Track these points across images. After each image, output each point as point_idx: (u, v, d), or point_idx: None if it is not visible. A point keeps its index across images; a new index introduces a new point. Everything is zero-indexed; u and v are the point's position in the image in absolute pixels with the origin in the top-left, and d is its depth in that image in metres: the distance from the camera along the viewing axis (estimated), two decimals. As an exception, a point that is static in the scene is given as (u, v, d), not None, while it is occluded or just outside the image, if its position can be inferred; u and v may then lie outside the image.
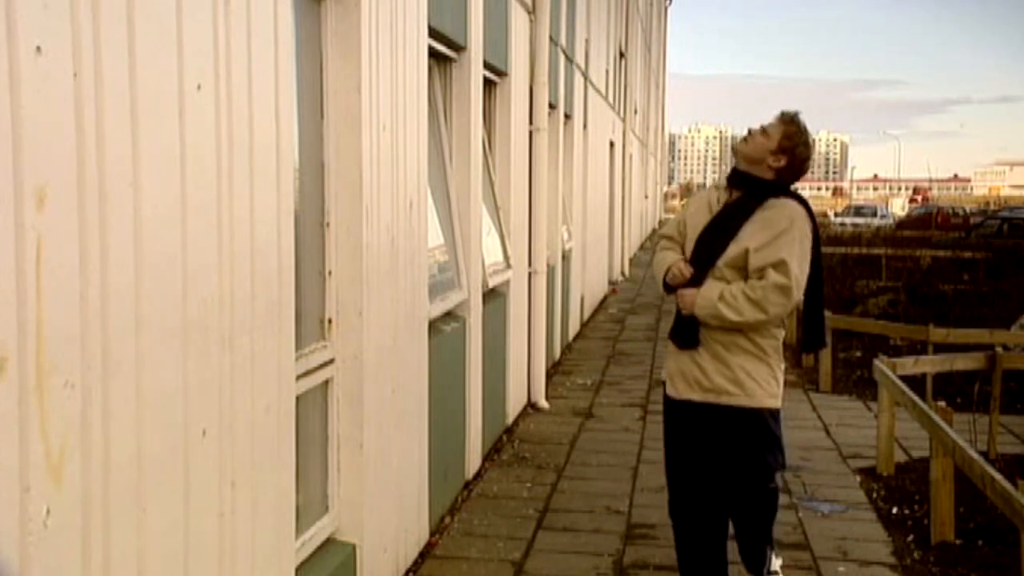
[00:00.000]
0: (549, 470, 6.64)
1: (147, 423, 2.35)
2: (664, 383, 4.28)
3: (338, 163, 3.98)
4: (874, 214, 39.79)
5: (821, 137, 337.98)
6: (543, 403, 8.54)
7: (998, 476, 4.34)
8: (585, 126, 13.07)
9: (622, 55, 19.80)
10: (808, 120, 4.13)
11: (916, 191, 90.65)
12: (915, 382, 7.03)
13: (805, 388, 9.47)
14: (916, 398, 5.93)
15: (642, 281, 19.94)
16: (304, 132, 3.76)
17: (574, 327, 12.39)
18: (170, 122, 2.44)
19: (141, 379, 2.32)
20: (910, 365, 7.23)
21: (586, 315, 13.85)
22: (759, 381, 3.99)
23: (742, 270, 3.96)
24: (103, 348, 2.15)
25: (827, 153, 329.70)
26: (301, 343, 3.57)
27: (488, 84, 7.24)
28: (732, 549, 4.32)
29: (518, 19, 7.78)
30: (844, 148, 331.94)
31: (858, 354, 10.63)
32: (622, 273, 20.18)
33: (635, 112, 23.46)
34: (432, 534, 5.30)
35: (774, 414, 4.10)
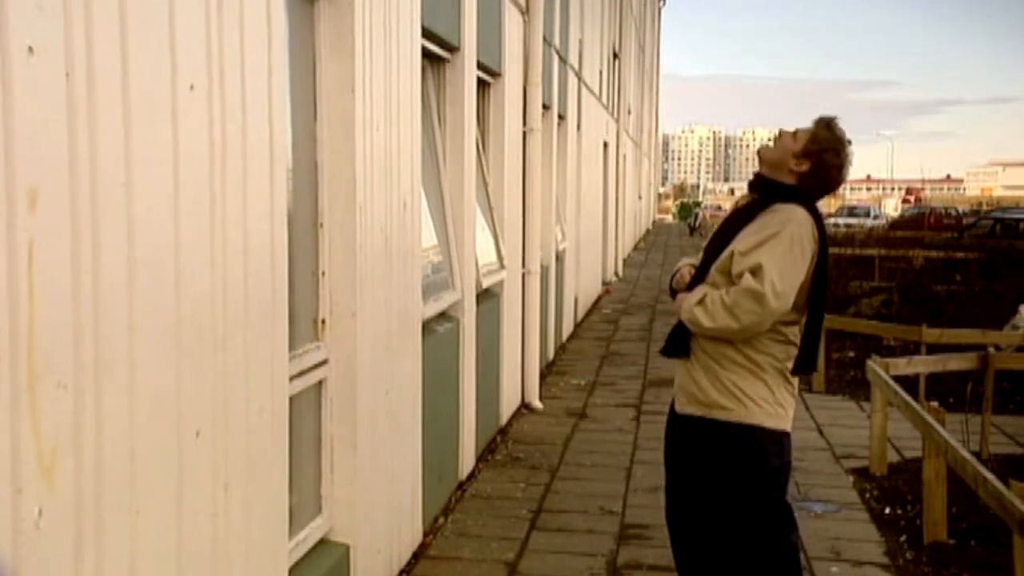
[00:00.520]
0: (543, 470, 6.64)
1: (140, 424, 2.34)
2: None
3: (331, 164, 3.97)
4: (867, 215, 39.89)
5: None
6: (537, 403, 8.55)
7: (990, 476, 4.35)
8: (579, 127, 13.08)
9: (616, 56, 19.81)
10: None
11: (909, 192, 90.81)
12: (908, 382, 7.03)
13: (798, 388, 9.47)
14: (909, 398, 5.94)
15: (636, 282, 19.97)
16: (297, 133, 3.75)
17: (568, 327, 12.39)
18: (163, 123, 2.43)
19: (134, 380, 2.31)
20: (903, 365, 7.24)
21: (580, 315, 13.85)
22: (754, 398, 3.58)
23: (730, 274, 3.62)
24: (95, 349, 2.15)
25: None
26: (294, 344, 3.57)
27: (482, 85, 7.24)
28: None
29: (512, 20, 7.78)
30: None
31: (851, 354, 10.65)
32: (616, 273, 20.19)
33: (629, 113, 23.48)
34: (426, 534, 5.30)
35: (774, 438, 3.62)
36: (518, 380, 8.35)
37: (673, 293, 3.86)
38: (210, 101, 2.66)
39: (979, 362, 7.45)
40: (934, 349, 8.66)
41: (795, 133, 3.70)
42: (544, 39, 8.80)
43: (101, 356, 2.17)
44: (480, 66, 6.78)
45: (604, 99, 17.28)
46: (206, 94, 2.64)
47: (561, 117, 11.25)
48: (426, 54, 5.53)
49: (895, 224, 32.80)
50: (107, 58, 2.18)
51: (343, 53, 3.97)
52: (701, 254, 3.82)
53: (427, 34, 5.28)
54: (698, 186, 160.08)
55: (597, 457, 7.00)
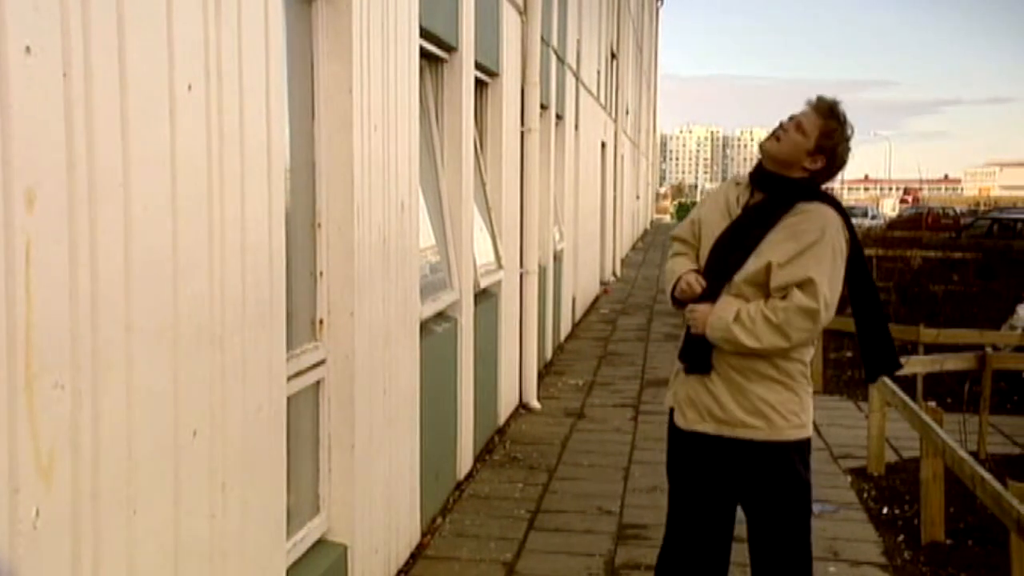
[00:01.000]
0: (541, 471, 6.64)
1: (137, 424, 2.34)
2: (671, 410, 3.65)
3: (329, 164, 3.97)
4: (865, 215, 39.89)
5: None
6: (535, 404, 8.55)
7: (988, 476, 4.35)
8: (576, 127, 13.08)
9: (614, 56, 19.82)
10: None
11: (907, 192, 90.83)
12: (906, 382, 7.03)
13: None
14: (906, 398, 5.95)
15: (634, 282, 19.97)
16: (295, 133, 3.75)
17: (566, 327, 12.39)
18: (160, 122, 2.43)
19: (131, 380, 2.31)
20: (900, 365, 7.23)
21: (578, 315, 13.85)
22: (783, 412, 3.39)
23: (763, 286, 3.38)
24: (93, 349, 2.15)
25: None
26: (292, 344, 3.57)
27: (480, 85, 7.25)
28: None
29: (509, 20, 7.78)
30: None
31: (849, 354, 10.65)
32: (614, 273, 20.19)
33: (627, 113, 23.48)
34: (423, 535, 5.30)
35: (801, 448, 3.47)
36: (516, 380, 8.36)
37: (677, 302, 3.59)
38: (208, 101, 2.66)
39: (977, 362, 7.46)
40: (932, 349, 8.67)
41: (799, 126, 3.43)
42: (542, 39, 8.80)
43: (99, 356, 2.17)
44: (478, 66, 6.78)
45: (602, 99, 17.29)
46: (204, 94, 2.64)
47: (559, 117, 11.25)
48: (424, 54, 5.53)
49: (893, 224, 32.78)
50: (105, 58, 2.18)
51: (341, 53, 3.97)
52: (706, 253, 3.54)
53: (425, 34, 5.28)
54: (696, 186, 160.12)
55: (595, 457, 7.00)
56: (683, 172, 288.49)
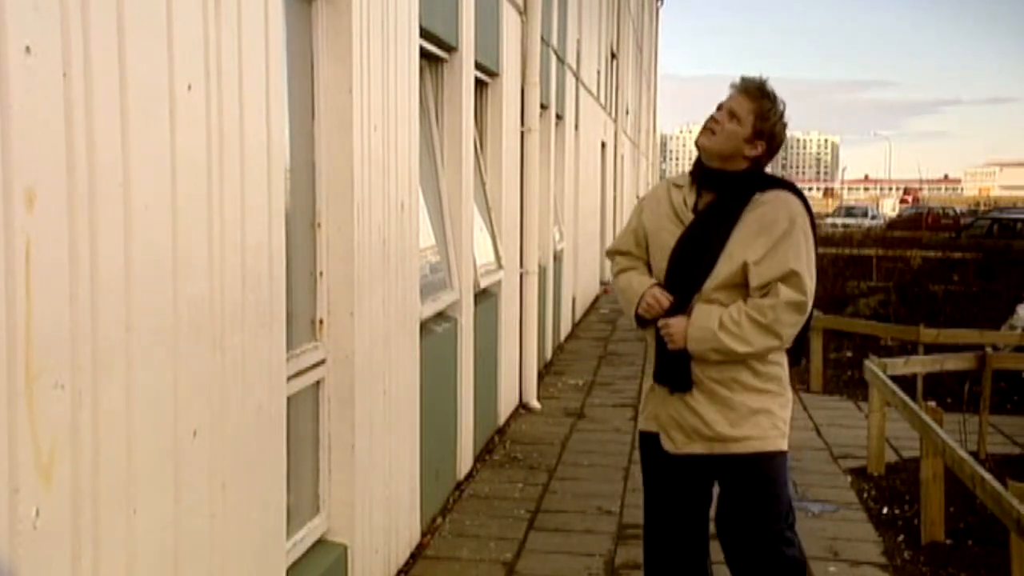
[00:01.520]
0: (540, 471, 6.64)
1: (137, 424, 2.34)
2: (644, 433, 3.58)
3: (329, 164, 3.97)
4: (865, 215, 39.96)
5: (812, 138, 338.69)
6: (535, 403, 8.55)
7: (988, 476, 4.35)
8: (576, 127, 13.08)
9: (614, 56, 19.81)
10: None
11: (907, 192, 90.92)
12: (905, 382, 7.03)
13: (796, 388, 9.47)
14: (906, 398, 5.95)
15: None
16: (295, 133, 3.75)
17: (566, 327, 12.39)
18: (160, 122, 2.43)
19: (131, 380, 2.31)
20: (900, 365, 7.24)
21: (578, 315, 13.85)
22: (772, 423, 3.34)
23: (737, 288, 3.27)
24: (93, 349, 2.15)
25: (818, 154, 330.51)
26: (292, 344, 3.57)
27: (479, 85, 7.25)
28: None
29: (509, 20, 7.78)
30: (835, 149, 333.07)
31: (849, 354, 10.66)
32: (614, 274, 20.16)
33: (627, 113, 23.47)
34: (423, 534, 5.30)
35: (786, 458, 3.43)
36: (516, 380, 8.36)
37: (642, 322, 3.43)
38: (208, 101, 2.66)
39: (976, 362, 7.46)
40: (931, 349, 8.67)
41: (732, 114, 3.29)
42: (542, 39, 8.80)
43: (99, 356, 2.17)
44: (478, 66, 6.78)
45: (602, 99, 17.28)
46: (203, 94, 2.64)
47: (559, 117, 11.25)
48: (424, 54, 5.53)
49: (893, 224, 32.84)
50: (104, 58, 2.18)
51: (341, 53, 3.97)
52: (662, 264, 3.39)
53: (425, 34, 5.28)
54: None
55: (595, 457, 7.00)
56: (683, 172, 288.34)
